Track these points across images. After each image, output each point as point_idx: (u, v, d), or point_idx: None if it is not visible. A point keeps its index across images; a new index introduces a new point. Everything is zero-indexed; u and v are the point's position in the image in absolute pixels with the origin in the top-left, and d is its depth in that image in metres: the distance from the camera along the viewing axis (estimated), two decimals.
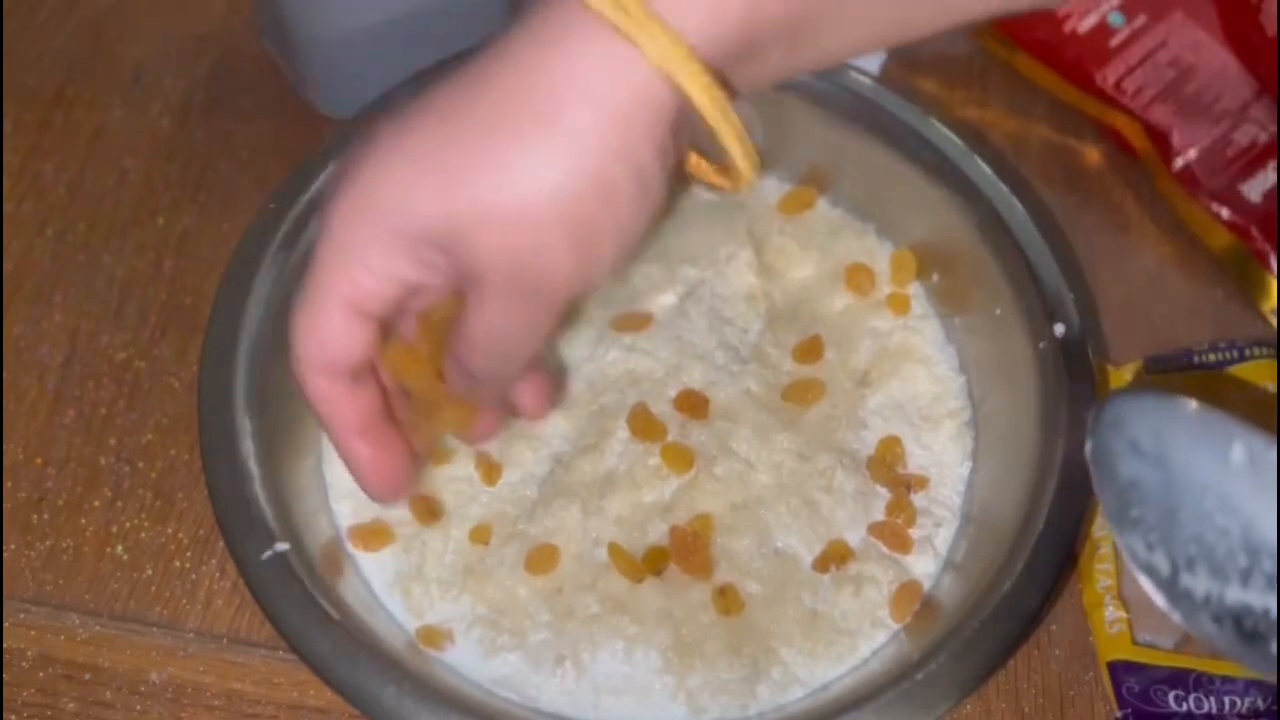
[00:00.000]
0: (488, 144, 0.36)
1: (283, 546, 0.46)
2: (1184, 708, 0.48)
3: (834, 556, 0.50)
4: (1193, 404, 0.38)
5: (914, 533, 0.51)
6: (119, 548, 0.53)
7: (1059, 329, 0.50)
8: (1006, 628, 0.45)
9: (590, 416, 0.53)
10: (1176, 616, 0.38)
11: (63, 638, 0.51)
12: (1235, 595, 0.37)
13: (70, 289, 0.59)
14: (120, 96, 0.65)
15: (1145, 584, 0.38)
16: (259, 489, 0.47)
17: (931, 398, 0.54)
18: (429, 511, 0.51)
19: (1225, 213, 0.59)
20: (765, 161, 0.59)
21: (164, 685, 0.50)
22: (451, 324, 0.40)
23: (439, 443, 0.50)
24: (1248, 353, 0.54)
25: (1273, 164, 0.60)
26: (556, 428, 0.53)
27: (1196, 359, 0.55)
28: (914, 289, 0.57)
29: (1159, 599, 0.38)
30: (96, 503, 0.54)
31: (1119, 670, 0.49)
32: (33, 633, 0.51)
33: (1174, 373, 0.55)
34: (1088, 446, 0.39)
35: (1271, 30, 0.61)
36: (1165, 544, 0.38)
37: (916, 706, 0.44)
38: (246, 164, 0.63)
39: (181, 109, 0.65)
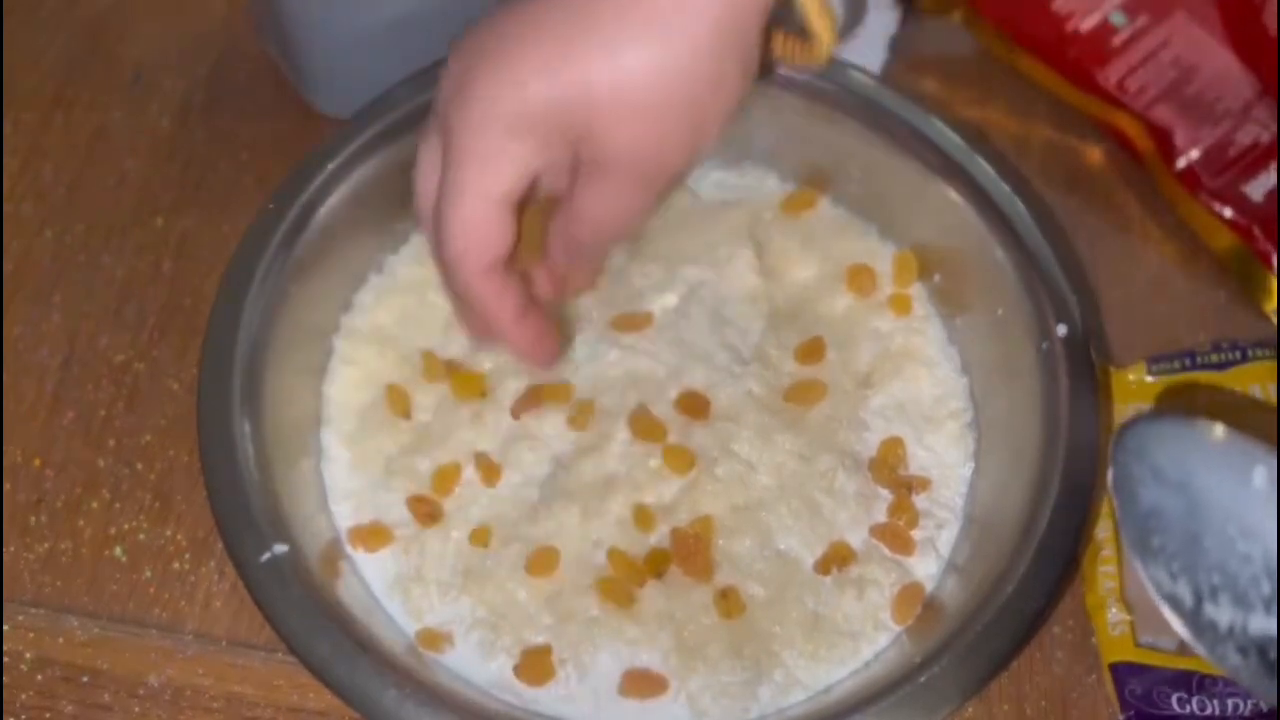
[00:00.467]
0: (614, 36, 0.38)
1: (282, 548, 0.46)
2: (1187, 710, 0.47)
3: (836, 558, 0.50)
4: (1216, 428, 0.37)
5: (916, 534, 0.51)
6: (118, 549, 0.53)
7: (1061, 330, 0.50)
8: (1009, 630, 0.45)
9: (591, 418, 0.53)
10: (1201, 650, 0.37)
11: (61, 640, 0.51)
12: (1259, 624, 0.36)
13: (69, 290, 0.59)
14: (120, 97, 0.65)
15: (1169, 616, 0.38)
16: (258, 491, 0.47)
17: (933, 399, 0.54)
18: (429, 513, 0.51)
19: (1228, 213, 0.59)
20: (767, 161, 0.59)
21: (163, 687, 0.50)
22: (555, 205, 0.44)
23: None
24: (1250, 353, 0.54)
25: (1275, 164, 0.60)
26: (557, 429, 0.52)
27: (1199, 359, 0.55)
28: (916, 290, 0.57)
29: (1184, 632, 0.38)
30: (95, 504, 0.54)
31: (1122, 672, 0.49)
32: (31, 635, 0.51)
33: (1176, 374, 0.54)
34: (1110, 475, 0.39)
35: (1274, 30, 0.61)
36: (1189, 573, 0.37)
37: (919, 709, 0.44)
38: (246, 164, 0.63)
39: (181, 109, 0.65)
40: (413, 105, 0.55)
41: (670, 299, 0.56)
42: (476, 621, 0.49)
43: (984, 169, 0.54)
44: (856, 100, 0.56)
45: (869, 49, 0.64)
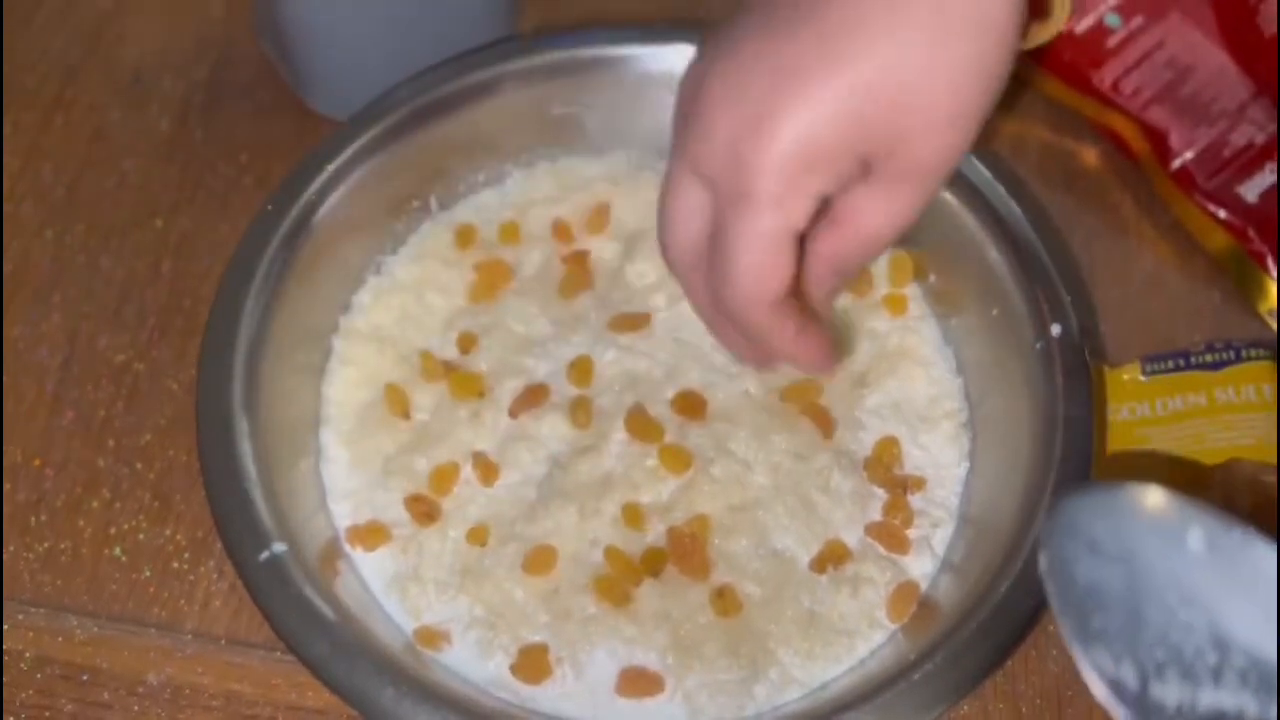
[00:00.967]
0: (901, 38, 0.37)
1: (280, 548, 0.46)
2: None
3: (831, 557, 0.50)
4: (1150, 491, 0.35)
5: (911, 533, 0.51)
6: (117, 549, 0.53)
7: (1056, 330, 0.50)
8: (1004, 628, 0.45)
9: (588, 418, 0.53)
10: None
11: (61, 639, 0.51)
12: (1208, 698, 0.34)
13: (69, 291, 0.60)
14: (119, 98, 0.65)
15: (1113, 708, 0.35)
16: (257, 490, 0.47)
17: (929, 398, 0.54)
18: (426, 513, 0.51)
19: (1222, 213, 0.59)
20: None
21: (162, 686, 0.50)
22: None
23: None
24: (1244, 354, 0.54)
25: (1270, 165, 0.60)
26: (554, 429, 0.53)
27: (1193, 359, 0.55)
28: (911, 290, 0.57)
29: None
30: (95, 504, 0.54)
31: None
32: (31, 634, 0.52)
33: (1170, 374, 0.55)
34: (1042, 561, 0.36)
35: (1268, 31, 0.61)
36: (1132, 652, 0.35)
37: (914, 707, 0.44)
38: (245, 165, 0.63)
39: (180, 111, 0.65)
40: (411, 106, 0.55)
41: (667, 298, 0.56)
42: (474, 620, 0.49)
43: (979, 170, 0.54)
44: None
45: None
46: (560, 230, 0.58)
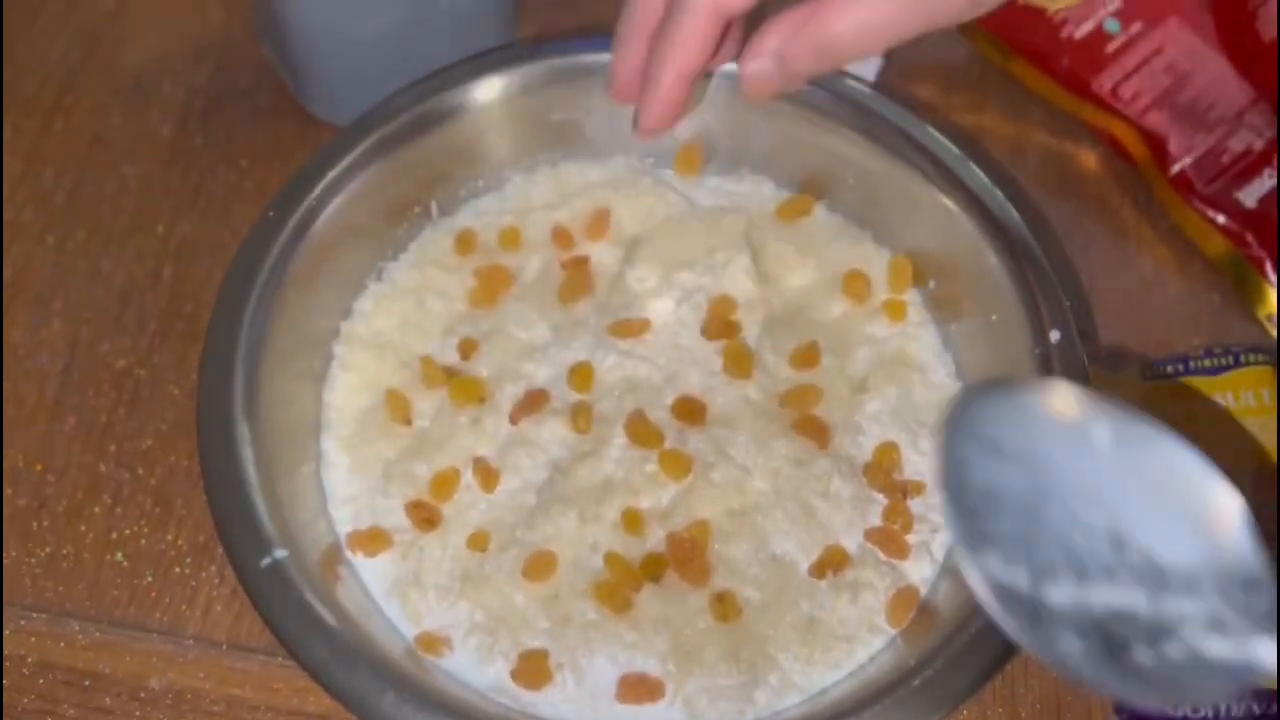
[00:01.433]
0: None
1: (281, 553, 0.46)
2: (1180, 712, 0.48)
3: (831, 562, 0.50)
4: (1055, 386, 0.34)
5: (911, 538, 0.51)
6: (119, 554, 0.54)
7: (1055, 335, 0.50)
8: (1003, 633, 0.45)
9: (588, 423, 0.53)
10: (1035, 643, 0.34)
11: (63, 644, 0.52)
12: (1101, 596, 0.33)
13: (70, 296, 0.60)
14: (120, 103, 0.66)
15: (995, 611, 0.34)
16: (258, 496, 0.47)
17: (928, 404, 0.54)
18: (427, 518, 0.51)
19: (1221, 219, 0.60)
20: (763, 167, 0.59)
21: (164, 691, 0.51)
22: None
23: None
24: (1244, 359, 0.55)
25: (1269, 170, 0.60)
26: (554, 434, 0.53)
27: (1192, 364, 0.55)
28: (911, 295, 0.57)
29: (1013, 625, 0.34)
30: (96, 509, 0.54)
31: None
32: (33, 639, 0.52)
33: (1169, 378, 0.55)
34: (933, 463, 0.35)
35: (1267, 36, 0.61)
36: (1028, 555, 0.34)
37: (914, 712, 0.44)
38: (246, 171, 0.63)
39: (181, 116, 0.65)
40: (411, 112, 0.55)
41: (666, 304, 0.56)
42: (474, 626, 0.49)
43: (978, 176, 0.54)
44: (852, 107, 0.56)
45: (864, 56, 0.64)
46: (560, 235, 0.58)
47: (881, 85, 0.57)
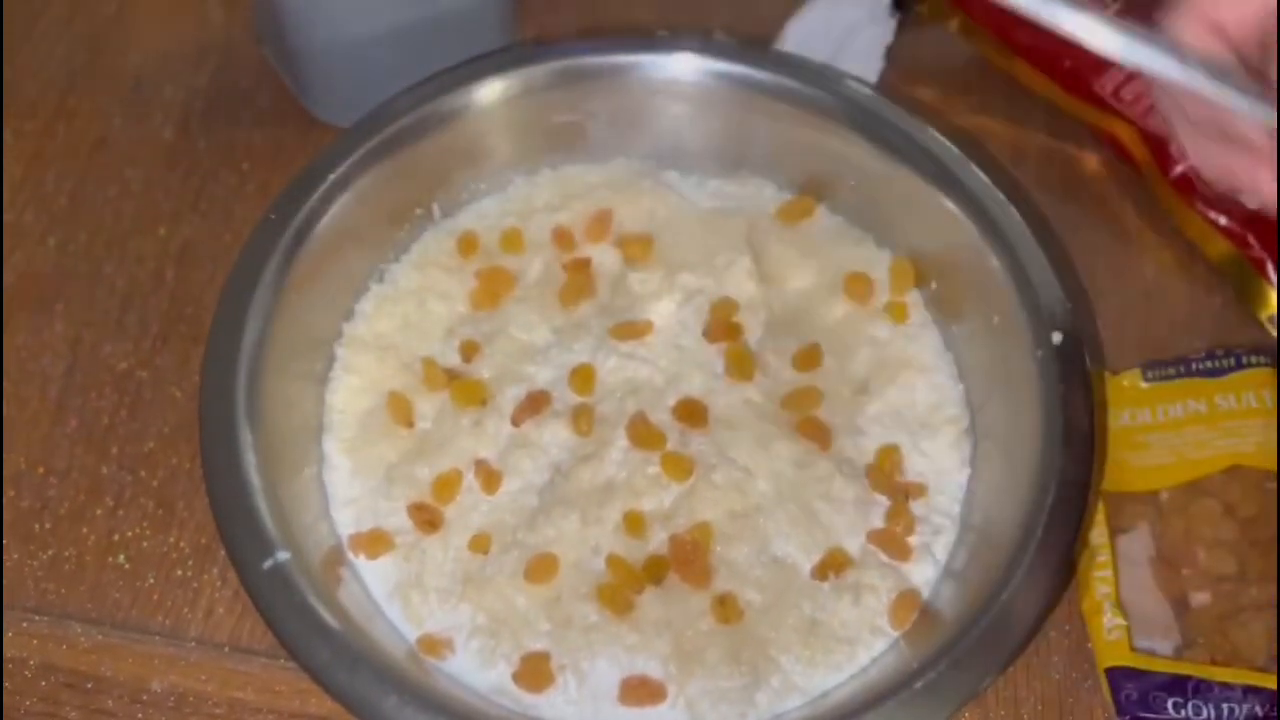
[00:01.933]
0: None
1: (283, 555, 0.46)
2: (1183, 714, 0.48)
3: (833, 564, 0.50)
4: None
5: (913, 540, 0.51)
6: (121, 556, 0.54)
7: (1056, 337, 0.50)
8: (1005, 635, 0.45)
9: (590, 425, 0.53)
10: None
11: (65, 646, 0.52)
12: None
13: (72, 299, 0.60)
14: (121, 106, 0.66)
15: None
16: (260, 498, 0.47)
17: (930, 405, 0.54)
18: (429, 520, 0.51)
19: (1223, 220, 0.60)
20: (764, 169, 0.59)
21: (166, 694, 0.51)
22: None
23: None
24: (1245, 360, 0.55)
25: None
26: (556, 436, 0.53)
27: (1194, 366, 0.55)
28: (912, 297, 0.57)
29: None
30: (98, 511, 0.54)
31: (1118, 677, 0.49)
32: (35, 641, 0.52)
33: (1171, 380, 0.55)
34: None
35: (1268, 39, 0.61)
36: None
37: (916, 714, 0.44)
38: (247, 173, 0.63)
39: (182, 119, 0.65)
40: (413, 114, 0.55)
41: (668, 306, 0.56)
42: (476, 628, 0.49)
43: (979, 177, 0.54)
44: (853, 109, 0.56)
45: (866, 58, 0.64)
46: (562, 237, 0.58)
47: (883, 87, 0.57)
